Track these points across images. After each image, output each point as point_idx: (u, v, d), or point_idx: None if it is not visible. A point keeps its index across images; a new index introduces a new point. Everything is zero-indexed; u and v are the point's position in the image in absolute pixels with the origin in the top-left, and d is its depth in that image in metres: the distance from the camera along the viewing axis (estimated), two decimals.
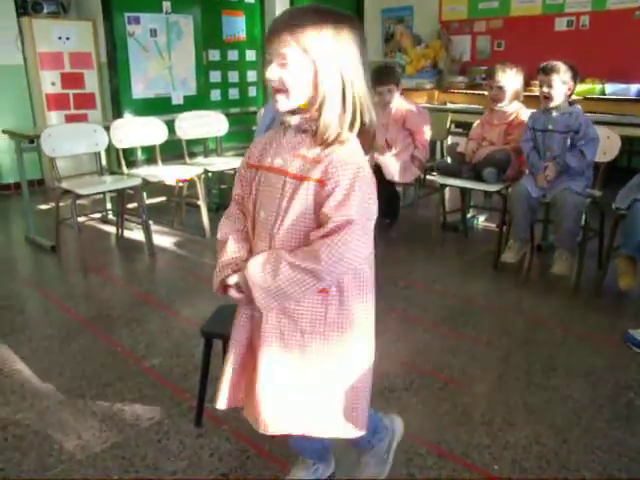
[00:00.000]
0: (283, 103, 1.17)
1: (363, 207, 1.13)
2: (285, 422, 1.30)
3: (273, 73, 1.14)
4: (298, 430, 1.31)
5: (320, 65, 1.12)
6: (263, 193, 1.23)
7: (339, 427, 1.30)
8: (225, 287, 1.27)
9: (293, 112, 1.19)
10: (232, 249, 1.27)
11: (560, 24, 5.17)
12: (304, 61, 1.11)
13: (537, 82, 3.14)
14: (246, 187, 1.29)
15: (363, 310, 1.27)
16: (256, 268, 1.17)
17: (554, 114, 3.04)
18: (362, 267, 1.23)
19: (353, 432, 1.31)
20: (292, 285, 1.14)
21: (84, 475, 1.71)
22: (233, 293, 1.25)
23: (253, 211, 1.26)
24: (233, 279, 1.23)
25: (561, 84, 2.97)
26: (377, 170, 3.76)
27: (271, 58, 1.14)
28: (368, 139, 1.21)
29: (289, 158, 1.19)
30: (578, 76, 3.04)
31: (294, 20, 1.12)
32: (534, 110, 3.22)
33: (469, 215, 4.10)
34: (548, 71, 2.97)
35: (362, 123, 1.18)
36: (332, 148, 1.14)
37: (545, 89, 3.00)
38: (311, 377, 1.27)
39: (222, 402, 1.35)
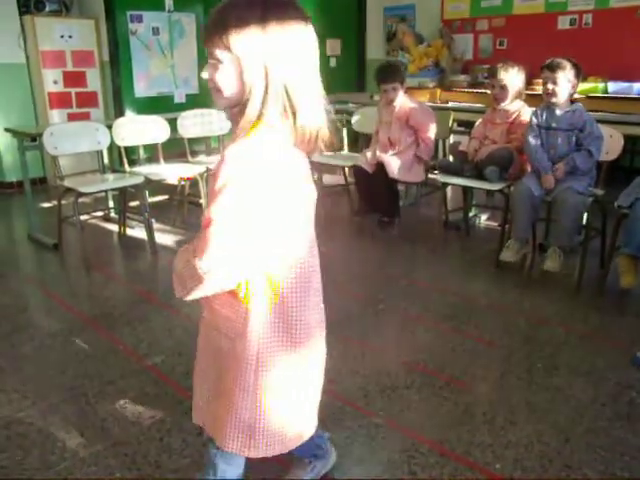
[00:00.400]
0: (219, 102, 1.14)
1: (234, 209, 1.03)
2: (200, 416, 1.32)
3: (206, 73, 1.12)
4: (207, 430, 1.31)
5: (244, 61, 1.05)
6: None
7: (235, 444, 1.24)
8: None
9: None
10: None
11: (563, 22, 5.16)
12: (230, 59, 1.07)
13: (539, 81, 3.13)
14: None
15: (276, 339, 1.19)
16: (177, 255, 1.20)
17: (558, 112, 3.03)
18: (284, 285, 1.17)
19: (247, 453, 1.26)
20: (189, 276, 1.11)
21: (87, 473, 1.71)
22: None
23: None
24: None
25: (566, 81, 2.96)
26: (379, 167, 3.77)
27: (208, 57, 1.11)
28: (304, 139, 1.11)
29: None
30: (581, 74, 3.04)
31: (219, 16, 1.06)
32: (535, 108, 3.21)
33: (471, 214, 4.09)
34: (554, 68, 2.96)
35: (295, 121, 1.09)
36: (235, 142, 1.08)
37: (550, 86, 2.98)
38: (221, 381, 1.24)
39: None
